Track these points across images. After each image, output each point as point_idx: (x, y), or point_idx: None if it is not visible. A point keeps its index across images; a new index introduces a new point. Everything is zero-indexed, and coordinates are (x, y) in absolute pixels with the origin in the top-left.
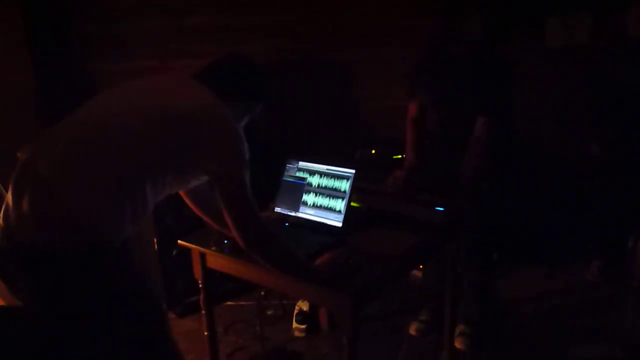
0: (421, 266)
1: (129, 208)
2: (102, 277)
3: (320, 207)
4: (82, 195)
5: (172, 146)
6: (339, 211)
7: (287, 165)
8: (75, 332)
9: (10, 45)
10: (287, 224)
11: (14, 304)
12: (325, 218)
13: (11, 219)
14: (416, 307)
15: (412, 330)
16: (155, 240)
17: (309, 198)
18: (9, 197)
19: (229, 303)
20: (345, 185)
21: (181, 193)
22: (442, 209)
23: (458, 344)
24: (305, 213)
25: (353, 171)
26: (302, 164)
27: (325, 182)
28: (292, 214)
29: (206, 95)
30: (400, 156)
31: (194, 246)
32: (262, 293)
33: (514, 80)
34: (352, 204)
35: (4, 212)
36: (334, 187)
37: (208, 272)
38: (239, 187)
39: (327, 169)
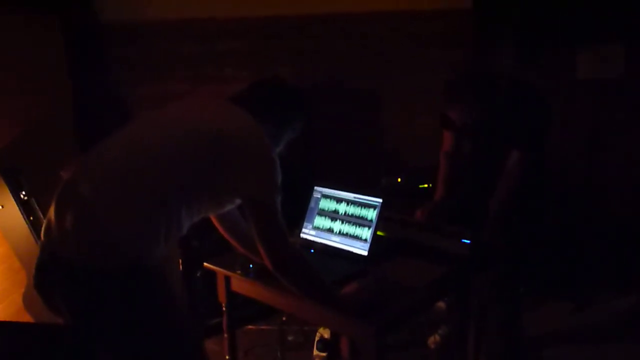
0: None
1: (163, 229)
2: (136, 296)
3: (346, 235)
4: (121, 216)
5: (207, 168)
6: (365, 240)
7: (314, 192)
8: (107, 350)
9: (52, 68)
10: (312, 251)
11: (46, 320)
12: (350, 246)
13: (53, 236)
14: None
15: (431, 343)
16: (180, 261)
17: (335, 225)
18: (51, 213)
19: (250, 327)
20: (372, 214)
21: (211, 215)
22: (468, 241)
23: None
24: (331, 240)
25: (380, 200)
26: (329, 191)
27: (352, 210)
28: (318, 240)
29: (243, 117)
30: (426, 185)
31: (219, 269)
32: (284, 318)
33: (551, 116)
34: (378, 232)
35: (45, 228)
36: (361, 215)
37: (232, 296)
38: (270, 211)
39: (355, 197)
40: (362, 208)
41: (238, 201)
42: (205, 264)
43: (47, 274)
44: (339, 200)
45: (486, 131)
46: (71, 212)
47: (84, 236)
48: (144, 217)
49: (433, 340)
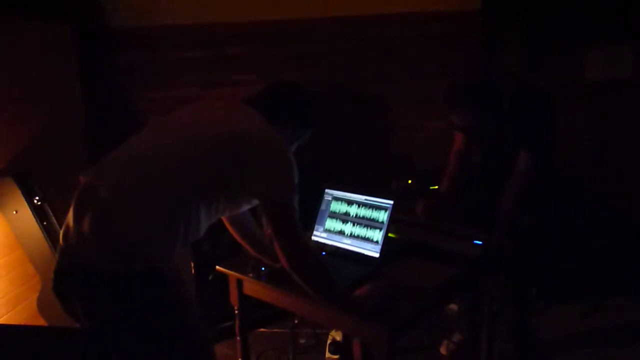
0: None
1: (183, 231)
2: (153, 300)
3: (357, 237)
4: (140, 219)
5: (226, 168)
6: (376, 241)
7: (325, 194)
8: (122, 353)
9: (62, 73)
10: (324, 253)
11: (58, 324)
12: (362, 248)
13: (72, 239)
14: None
15: (443, 350)
16: (192, 264)
17: (347, 228)
18: (69, 218)
19: (262, 330)
20: (383, 216)
21: (223, 217)
22: (480, 242)
23: None
24: (343, 242)
25: (391, 202)
26: (340, 193)
27: (363, 212)
28: (329, 242)
29: (257, 119)
30: (437, 187)
31: (231, 272)
32: (296, 321)
33: (554, 115)
34: (390, 234)
35: (64, 232)
36: (372, 217)
37: (244, 299)
38: (287, 211)
39: (366, 199)
40: (373, 210)
41: (255, 201)
42: (217, 267)
43: (66, 278)
44: (350, 202)
45: (493, 133)
46: (90, 216)
47: (102, 240)
48: (164, 220)
49: (445, 346)
